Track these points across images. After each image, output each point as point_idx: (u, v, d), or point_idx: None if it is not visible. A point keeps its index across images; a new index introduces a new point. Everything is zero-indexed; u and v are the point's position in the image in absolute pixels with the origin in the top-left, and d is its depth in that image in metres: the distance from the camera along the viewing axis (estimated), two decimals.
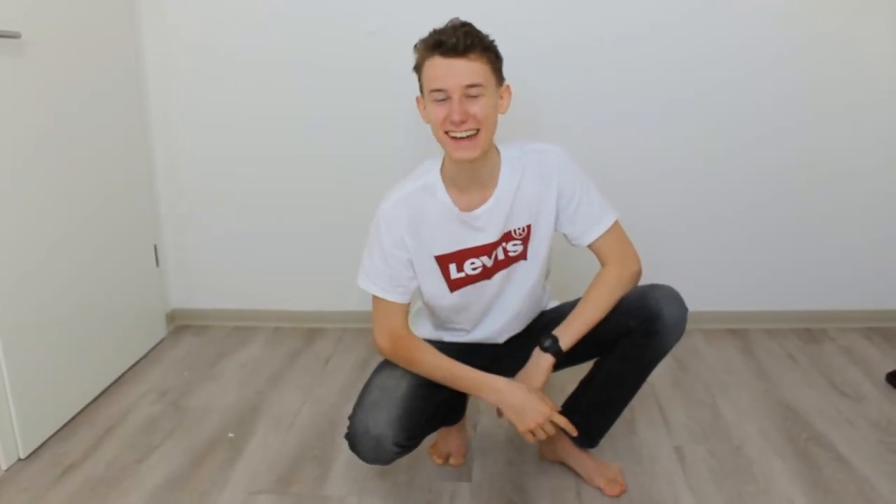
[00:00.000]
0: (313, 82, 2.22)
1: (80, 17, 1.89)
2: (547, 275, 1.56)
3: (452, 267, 1.42)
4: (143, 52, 2.23)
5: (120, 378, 2.11)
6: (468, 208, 1.38)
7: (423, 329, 1.57)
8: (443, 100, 1.27)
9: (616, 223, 1.45)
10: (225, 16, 2.19)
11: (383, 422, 1.32)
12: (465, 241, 1.40)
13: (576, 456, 1.60)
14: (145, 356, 2.25)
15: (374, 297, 1.42)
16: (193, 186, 2.36)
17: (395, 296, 1.41)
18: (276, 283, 2.44)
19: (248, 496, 1.57)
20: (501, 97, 1.34)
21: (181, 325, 2.49)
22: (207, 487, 1.60)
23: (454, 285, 1.44)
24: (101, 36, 2.01)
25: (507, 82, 1.36)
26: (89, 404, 1.96)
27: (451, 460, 1.67)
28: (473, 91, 1.26)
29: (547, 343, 1.41)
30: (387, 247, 1.38)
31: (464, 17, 1.33)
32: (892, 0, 2.08)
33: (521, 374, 1.44)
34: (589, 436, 1.57)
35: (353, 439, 1.36)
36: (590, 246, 1.46)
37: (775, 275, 2.34)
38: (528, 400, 1.35)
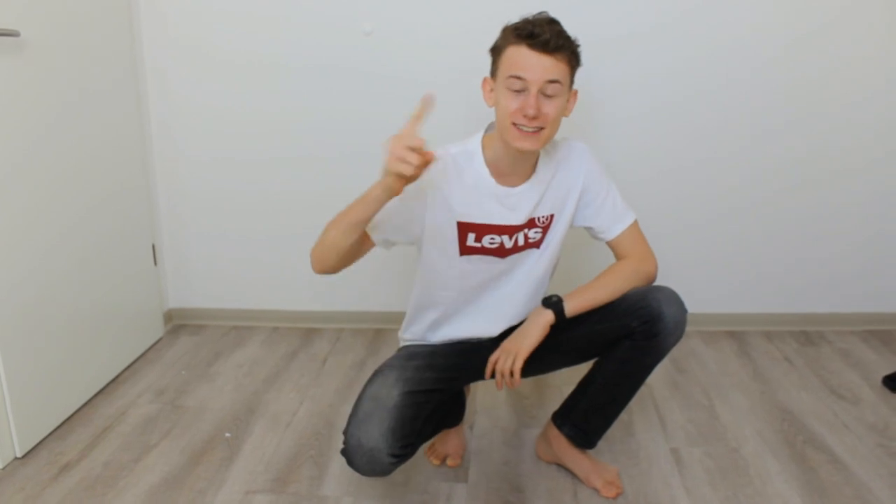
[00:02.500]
0: (311, 84, 2.22)
1: (78, 16, 1.89)
2: (552, 271, 1.56)
3: (471, 236, 1.41)
4: (141, 53, 2.23)
5: (117, 377, 2.11)
6: (503, 185, 1.39)
7: (420, 325, 1.55)
8: (519, 90, 1.27)
9: (636, 223, 1.49)
10: (223, 18, 2.19)
11: (376, 434, 1.30)
12: (492, 217, 1.40)
13: (573, 457, 1.60)
14: (142, 356, 2.25)
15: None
16: (191, 186, 2.36)
17: (376, 236, 1.39)
18: (273, 283, 2.44)
19: (244, 496, 1.57)
20: (568, 100, 1.35)
21: (178, 324, 2.49)
22: (204, 487, 1.60)
23: (466, 250, 1.43)
24: (100, 35, 2.00)
25: (575, 87, 1.37)
26: (86, 403, 1.96)
27: (448, 461, 1.67)
28: (552, 89, 1.27)
29: (553, 299, 1.42)
30: (406, 194, 1.27)
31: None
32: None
33: (518, 328, 1.43)
34: (587, 437, 1.57)
35: (348, 454, 1.34)
36: (611, 242, 1.49)
37: (773, 277, 2.35)
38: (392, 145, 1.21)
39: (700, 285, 2.34)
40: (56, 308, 1.83)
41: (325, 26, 2.17)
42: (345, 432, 1.35)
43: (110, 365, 2.09)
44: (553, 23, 1.29)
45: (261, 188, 2.34)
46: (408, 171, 1.15)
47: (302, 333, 2.41)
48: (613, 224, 1.48)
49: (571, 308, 1.41)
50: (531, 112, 1.26)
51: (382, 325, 2.44)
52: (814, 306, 2.37)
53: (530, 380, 2.03)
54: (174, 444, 1.77)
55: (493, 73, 1.34)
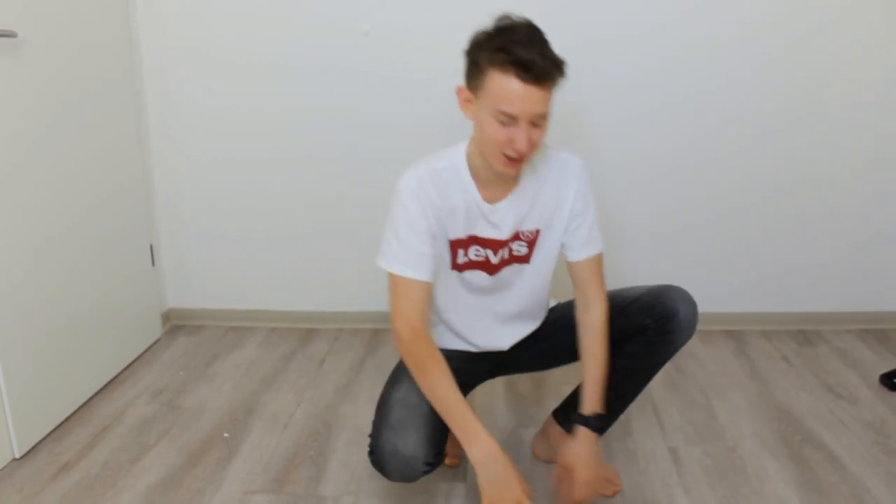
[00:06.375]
0: (311, 84, 2.22)
1: (76, 17, 1.89)
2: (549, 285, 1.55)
3: (460, 252, 1.41)
4: (139, 53, 2.23)
5: (115, 378, 2.11)
6: (489, 200, 1.38)
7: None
8: (506, 122, 1.22)
9: (601, 254, 1.46)
10: (221, 18, 2.19)
11: (413, 443, 1.27)
12: (477, 230, 1.39)
13: None
14: (140, 356, 2.25)
15: (394, 278, 1.33)
16: (189, 187, 2.36)
17: (417, 272, 1.31)
18: (271, 284, 2.44)
19: (242, 496, 1.57)
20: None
21: (176, 325, 2.49)
22: (202, 487, 1.60)
23: (458, 268, 1.43)
24: (98, 36, 2.00)
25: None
26: (84, 404, 1.96)
27: (447, 460, 1.67)
28: (539, 120, 1.24)
29: (594, 423, 1.40)
30: (414, 217, 1.32)
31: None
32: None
33: (574, 457, 1.39)
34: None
35: (380, 459, 1.30)
36: (574, 264, 1.45)
37: (770, 277, 2.35)
38: (506, 478, 1.26)
39: (698, 284, 2.32)
40: (54, 309, 1.83)
41: (324, 26, 2.17)
42: (374, 436, 1.32)
43: (108, 365, 2.09)
44: (536, 40, 1.20)
45: (260, 188, 2.33)
46: None
47: (300, 334, 2.41)
48: (583, 247, 1.44)
49: (603, 409, 1.41)
50: (523, 148, 1.22)
51: (381, 326, 2.43)
52: (811, 306, 2.37)
53: (528, 379, 2.04)
54: (172, 445, 1.76)
55: (473, 88, 1.26)
